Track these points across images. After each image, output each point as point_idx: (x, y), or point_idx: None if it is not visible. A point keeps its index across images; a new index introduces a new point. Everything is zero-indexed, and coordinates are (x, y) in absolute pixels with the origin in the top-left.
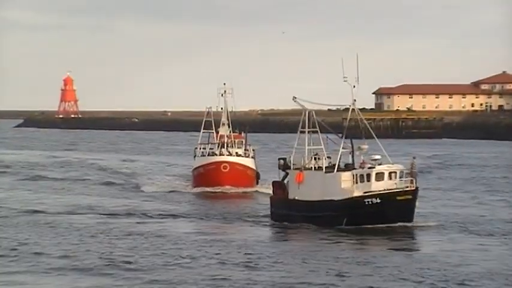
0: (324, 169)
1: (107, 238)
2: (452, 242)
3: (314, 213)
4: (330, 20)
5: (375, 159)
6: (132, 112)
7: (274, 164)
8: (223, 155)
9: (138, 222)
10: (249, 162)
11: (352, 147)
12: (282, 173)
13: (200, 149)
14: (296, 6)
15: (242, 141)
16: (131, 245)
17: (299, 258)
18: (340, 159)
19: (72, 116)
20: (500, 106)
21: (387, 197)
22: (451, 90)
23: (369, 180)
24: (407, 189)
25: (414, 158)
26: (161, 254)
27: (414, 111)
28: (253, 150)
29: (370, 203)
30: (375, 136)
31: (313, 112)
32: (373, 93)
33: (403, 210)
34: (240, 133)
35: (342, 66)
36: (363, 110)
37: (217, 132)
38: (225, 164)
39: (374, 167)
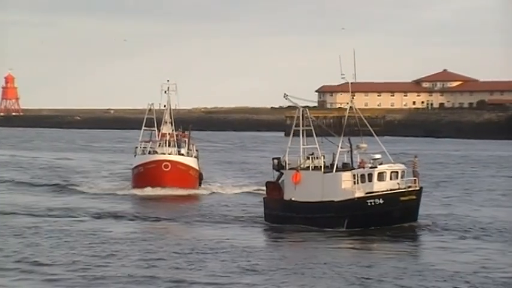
0: (322, 169)
1: (38, 238)
2: (450, 243)
3: (313, 214)
4: (273, 17)
5: (376, 159)
6: (75, 110)
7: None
8: (165, 153)
9: (71, 222)
10: (191, 161)
11: (351, 146)
12: (276, 173)
13: (141, 147)
14: (239, 4)
15: (185, 140)
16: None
17: (299, 262)
18: (336, 158)
19: (14, 114)
20: (441, 104)
21: (391, 198)
22: (392, 88)
23: (370, 180)
24: (411, 189)
25: (416, 157)
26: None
27: (356, 109)
28: (196, 150)
29: (373, 203)
30: (374, 134)
31: (307, 110)
32: (316, 91)
33: (407, 210)
34: (184, 132)
35: (339, 64)
36: (306, 107)
37: (159, 131)
38: (166, 163)
39: (375, 167)
